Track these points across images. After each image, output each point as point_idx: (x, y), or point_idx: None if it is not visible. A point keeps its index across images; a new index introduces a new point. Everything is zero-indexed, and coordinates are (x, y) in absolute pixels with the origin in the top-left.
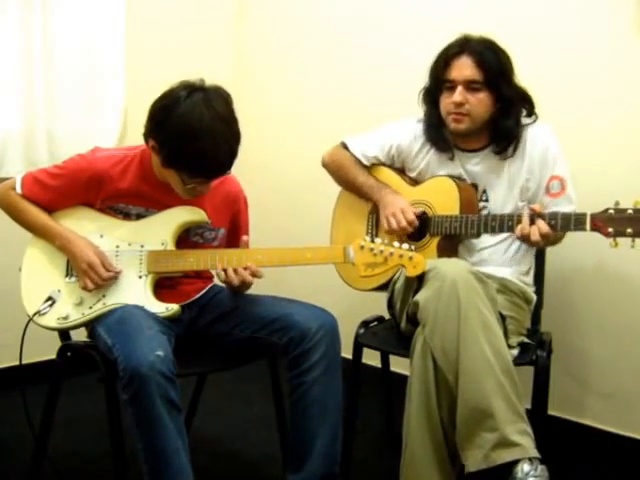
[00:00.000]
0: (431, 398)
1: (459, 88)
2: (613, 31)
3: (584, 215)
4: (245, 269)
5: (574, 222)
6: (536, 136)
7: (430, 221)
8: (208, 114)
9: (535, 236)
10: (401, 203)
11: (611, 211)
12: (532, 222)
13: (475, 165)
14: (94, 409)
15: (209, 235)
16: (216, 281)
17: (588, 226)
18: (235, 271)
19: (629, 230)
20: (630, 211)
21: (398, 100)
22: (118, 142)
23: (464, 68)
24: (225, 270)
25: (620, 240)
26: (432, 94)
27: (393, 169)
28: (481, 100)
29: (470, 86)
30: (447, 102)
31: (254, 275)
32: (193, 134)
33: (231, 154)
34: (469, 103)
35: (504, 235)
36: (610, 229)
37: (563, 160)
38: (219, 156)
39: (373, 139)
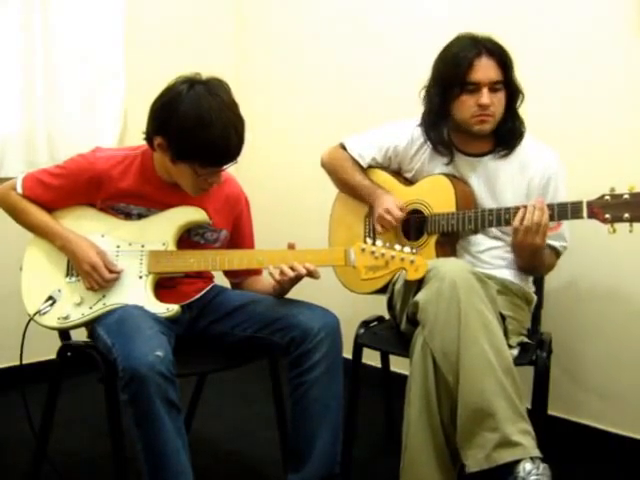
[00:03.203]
0: (431, 398)
1: (484, 90)
2: (613, 31)
3: (580, 203)
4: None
5: (571, 211)
6: (542, 158)
7: (427, 220)
8: (214, 102)
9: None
10: (387, 203)
11: (607, 197)
12: None
13: (473, 172)
14: (94, 409)
15: (210, 236)
16: (217, 281)
17: (585, 213)
18: (292, 268)
19: (626, 215)
20: (626, 196)
21: (398, 100)
22: (118, 142)
23: (488, 69)
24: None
25: (618, 226)
26: (442, 97)
27: (388, 171)
28: (500, 100)
29: (493, 87)
30: (470, 104)
31: (311, 275)
32: (204, 123)
33: (241, 139)
34: (493, 104)
35: (504, 239)
36: (607, 215)
37: (564, 195)
38: (231, 141)
39: (371, 140)
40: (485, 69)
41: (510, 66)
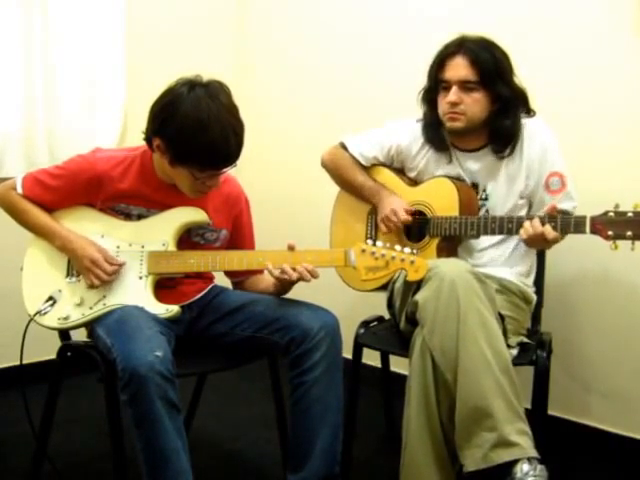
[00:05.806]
0: (430, 398)
1: (453, 88)
2: (613, 31)
3: (584, 218)
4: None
5: (574, 225)
6: (533, 133)
7: (429, 222)
8: (214, 105)
9: (551, 234)
10: (394, 204)
11: (611, 214)
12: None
13: (473, 164)
14: (94, 409)
15: (210, 236)
16: (217, 281)
17: (588, 229)
18: (293, 269)
19: (629, 233)
20: (630, 214)
21: (398, 99)
22: (118, 142)
23: (458, 68)
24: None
25: (620, 242)
26: (430, 95)
27: (392, 169)
28: (476, 100)
29: (465, 86)
30: (443, 102)
31: (312, 275)
32: (202, 126)
33: (239, 142)
34: (464, 103)
35: (503, 236)
36: (610, 232)
37: (560, 156)
38: (229, 145)
39: (372, 139)
40: (455, 68)
41: (491, 68)
